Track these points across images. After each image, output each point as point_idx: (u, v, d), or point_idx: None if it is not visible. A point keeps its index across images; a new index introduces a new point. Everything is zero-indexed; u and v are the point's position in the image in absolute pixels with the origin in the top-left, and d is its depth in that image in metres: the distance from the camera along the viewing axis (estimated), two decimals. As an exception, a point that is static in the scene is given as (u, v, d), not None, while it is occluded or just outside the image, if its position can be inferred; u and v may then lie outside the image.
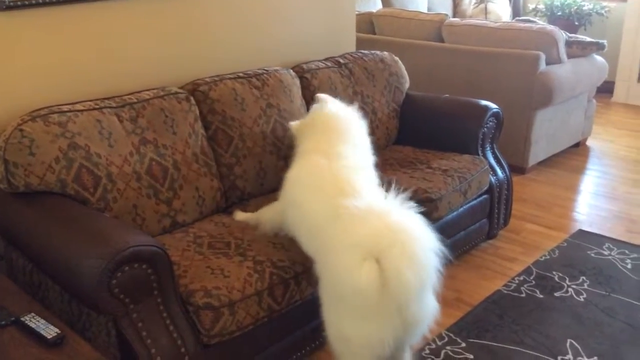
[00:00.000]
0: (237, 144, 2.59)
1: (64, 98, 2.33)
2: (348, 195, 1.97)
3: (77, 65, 2.39)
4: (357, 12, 4.34)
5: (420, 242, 1.80)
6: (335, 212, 1.93)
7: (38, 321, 1.61)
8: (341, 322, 1.92)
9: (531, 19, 5.26)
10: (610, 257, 3.10)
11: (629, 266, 3.01)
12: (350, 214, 1.89)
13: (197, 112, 2.52)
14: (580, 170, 4.36)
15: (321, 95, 2.54)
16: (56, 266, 1.84)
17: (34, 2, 2.20)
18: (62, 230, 1.88)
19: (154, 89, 2.48)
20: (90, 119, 2.19)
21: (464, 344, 2.45)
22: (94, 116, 2.21)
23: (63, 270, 1.80)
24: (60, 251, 1.82)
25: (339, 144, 2.25)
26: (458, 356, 2.38)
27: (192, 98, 2.52)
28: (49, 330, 1.57)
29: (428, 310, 1.93)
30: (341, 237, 1.86)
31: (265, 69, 2.86)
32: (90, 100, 2.29)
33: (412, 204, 1.91)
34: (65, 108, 2.19)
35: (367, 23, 4.95)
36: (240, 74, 2.74)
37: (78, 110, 2.19)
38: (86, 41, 2.40)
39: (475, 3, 6.53)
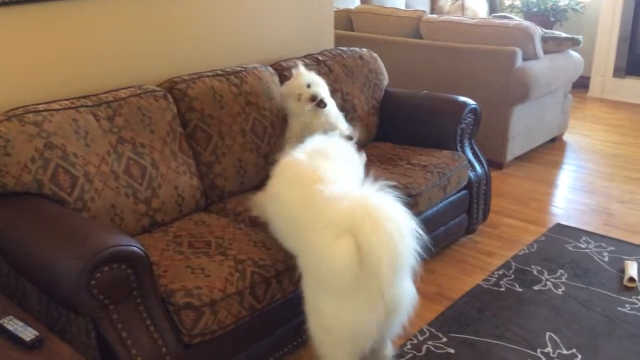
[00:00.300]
0: (216, 142, 2.58)
1: (39, 97, 2.30)
2: (324, 184, 2.01)
3: (53, 64, 2.36)
4: (335, 9, 4.33)
5: (393, 220, 1.82)
6: (311, 198, 1.96)
7: (16, 324, 1.59)
8: (323, 310, 1.93)
9: (507, 15, 5.30)
10: (587, 250, 3.15)
11: (606, 259, 3.05)
12: (325, 197, 1.93)
13: (175, 110, 2.50)
14: (557, 164, 4.41)
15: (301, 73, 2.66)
16: (34, 268, 1.81)
17: (6, 0, 2.16)
18: (39, 232, 1.85)
19: (130, 87, 2.46)
20: (67, 118, 2.16)
21: (445, 339, 2.46)
22: (70, 115, 2.18)
23: (41, 272, 1.77)
24: (38, 253, 1.79)
25: (323, 149, 2.30)
26: (439, 351, 2.39)
27: (169, 96, 2.50)
28: (27, 333, 1.55)
29: (407, 295, 1.95)
30: (316, 220, 1.88)
31: (244, 66, 2.84)
32: (66, 100, 2.26)
33: (391, 190, 1.94)
34: (40, 107, 2.16)
35: (345, 20, 4.95)
36: (219, 72, 2.73)
37: (54, 110, 2.16)
38: (61, 40, 2.36)
39: (453, 0, 6.56)
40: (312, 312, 1.98)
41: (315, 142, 2.35)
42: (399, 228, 1.81)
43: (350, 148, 2.42)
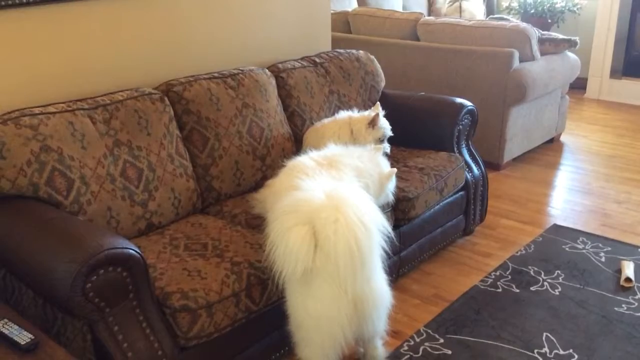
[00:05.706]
0: (213, 144, 2.58)
1: (35, 100, 2.30)
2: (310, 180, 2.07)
3: (49, 67, 2.36)
4: (332, 11, 4.35)
5: (357, 211, 1.84)
6: (290, 190, 2.03)
7: (11, 327, 1.59)
8: (292, 299, 1.97)
9: (505, 16, 5.32)
10: (584, 250, 3.15)
11: (603, 259, 3.06)
12: (301, 188, 1.99)
13: (172, 112, 2.50)
14: (554, 165, 4.42)
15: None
16: (29, 271, 1.81)
17: (2, 3, 2.16)
18: (35, 235, 1.85)
19: (127, 90, 2.46)
20: (63, 121, 2.16)
21: (442, 340, 2.46)
22: (67, 118, 2.18)
23: (36, 275, 1.77)
24: (34, 256, 1.79)
25: (335, 157, 2.35)
26: (436, 352, 2.39)
27: (166, 99, 2.50)
28: (23, 336, 1.55)
29: (377, 291, 1.96)
30: (283, 206, 1.94)
31: (241, 68, 2.85)
32: (63, 103, 2.26)
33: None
34: (36, 110, 2.16)
35: (342, 22, 4.96)
36: (215, 74, 2.73)
37: (50, 113, 2.16)
38: (57, 43, 2.36)
39: (450, 2, 6.57)
40: (289, 311, 2.01)
41: (333, 150, 2.40)
42: (361, 219, 1.84)
43: (374, 164, 2.45)
